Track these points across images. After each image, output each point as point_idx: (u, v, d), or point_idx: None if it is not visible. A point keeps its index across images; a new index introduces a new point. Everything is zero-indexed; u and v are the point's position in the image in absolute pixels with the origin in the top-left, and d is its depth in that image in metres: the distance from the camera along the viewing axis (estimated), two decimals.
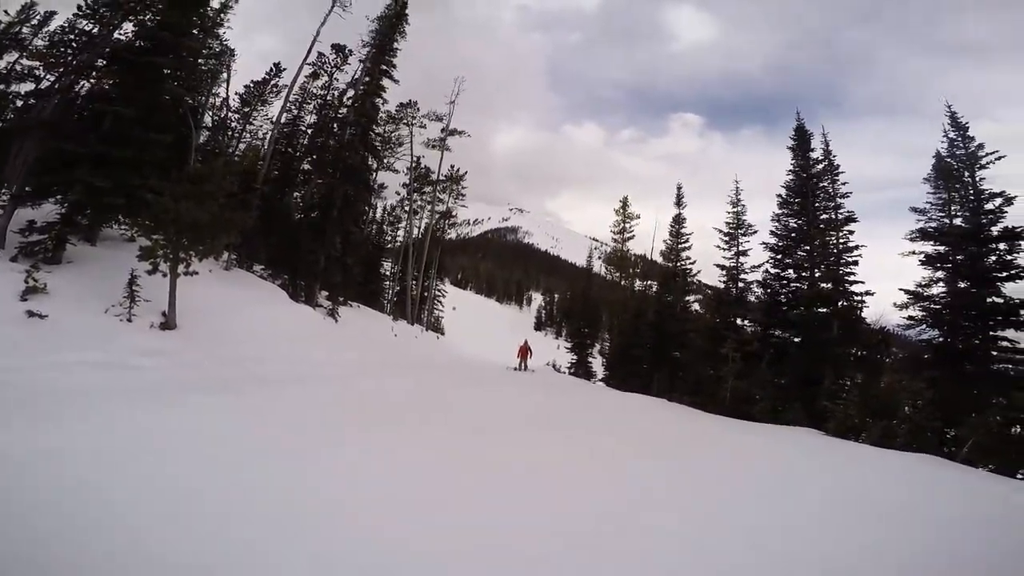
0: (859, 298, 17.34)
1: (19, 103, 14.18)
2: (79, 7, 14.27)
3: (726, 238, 21.46)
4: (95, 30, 14.28)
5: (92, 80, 14.33)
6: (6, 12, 15.44)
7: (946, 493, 6.29)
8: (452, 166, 33.71)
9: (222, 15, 20.70)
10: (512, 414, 9.50)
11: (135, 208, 11.82)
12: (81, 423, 4.95)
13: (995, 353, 13.60)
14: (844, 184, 18.57)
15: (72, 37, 14.36)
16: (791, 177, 19.39)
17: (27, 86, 14.50)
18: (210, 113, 22.45)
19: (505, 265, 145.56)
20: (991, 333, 13.71)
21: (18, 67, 14.62)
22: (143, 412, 5.71)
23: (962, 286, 14.34)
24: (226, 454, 4.61)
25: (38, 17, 16.03)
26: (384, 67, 23.10)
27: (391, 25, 23.59)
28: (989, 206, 14.22)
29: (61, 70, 14.05)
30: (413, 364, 17.72)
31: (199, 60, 19.19)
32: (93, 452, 4.17)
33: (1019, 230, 13.42)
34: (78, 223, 11.92)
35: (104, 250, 12.73)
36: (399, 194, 33.75)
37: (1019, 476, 10.68)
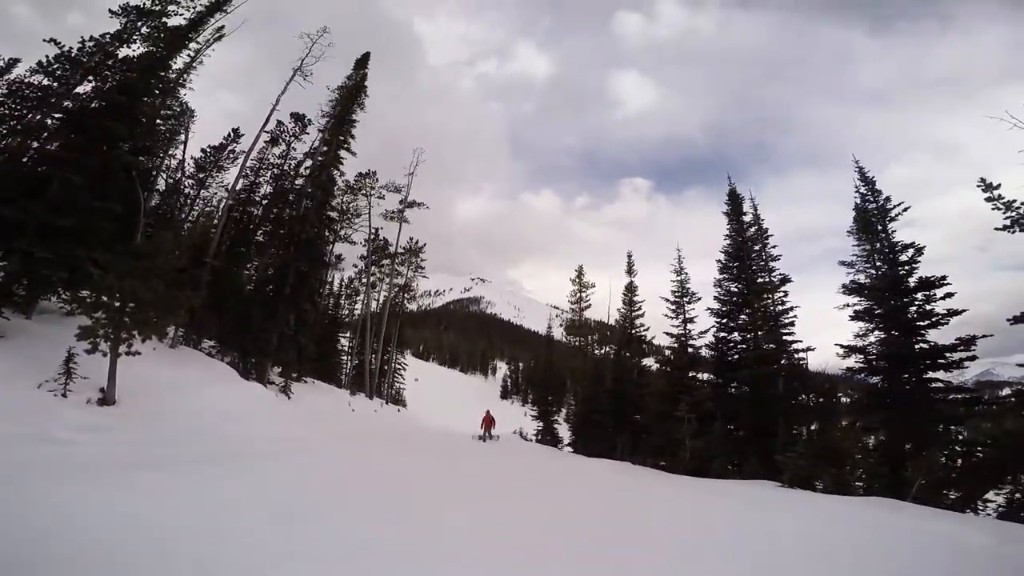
0: (800, 355, 18.09)
1: None
2: (39, 62, 14.15)
3: (673, 307, 22.17)
4: (53, 86, 14.11)
5: (42, 140, 13.98)
6: None
7: (889, 536, 6.51)
8: (411, 238, 34.43)
9: (184, 76, 20.57)
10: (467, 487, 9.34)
11: (77, 281, 11.50)
12: (8, 500, 4.69)
13: (933, 395, 14.11)
14: (775, 247, 19.78)
15: (28, 92, 14.08)
16: (728, 241, 20.49)
17: None
18: (164, 176, 22.08)
19: (468, 335, 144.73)
20: (924, 376, 14.30)
21: None
22: (67, 487, 5.43)
23: (893, 334, 14.95)
24: (142, 533, 4.43)
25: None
26: (343, 138, 23.49)
27: (350, 96, 24.20)
28: (903, 257, 15.07)
29: (13, 123, 13.74)
30: (371, 438, 17.17)
31: (156, 121, 18.94)
32: (21, 528, 4.00)
33: (932, 279, 14.32)
34: (14, 294, 11.42)
35: (40, 324, 12.21)
36: (356, 266, 33.87)
37: (977, 509, 11.09)
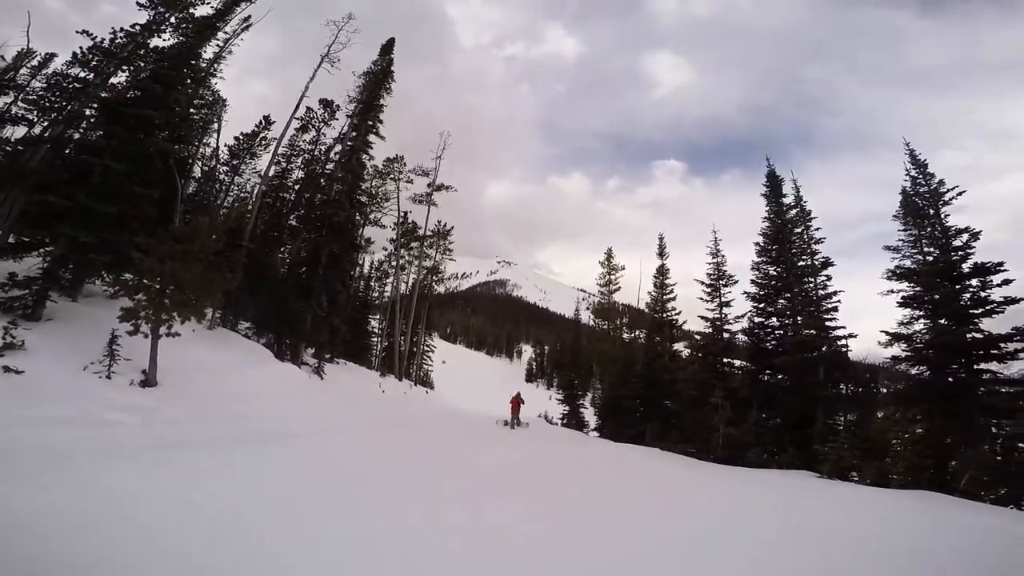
0: (843, 341, 17.46)
1: (8, 149, 14.16)
2: (74, 54, 14.54)
3: (708, 290, 21.65)
4: (89, 77, 14.49)
5: (82, 130, 14.39)
6: (2, 58, 15.80)
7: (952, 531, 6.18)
8: (439, 221, 34.40)
9: (215, 65, 20.98)
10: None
11: (120, 265, 11.78)
12: (52, 479, 4.79)
13: (983, 389, 13.52)
14: (818, 230, 19.00)
15: (66, 83, 14.51)
16: (766, 224, 19.86)
17: (19, 131, 14.52)
18: (199, 163, 22.58)
19: (494, 318, 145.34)
20: (975, 367, 13.66)
21: (13, 110, 14.67)
22: (114, 469, 5.54)
23: (942, 323, 14.32)
24: (193, 515, 4.49)
25: (38, 59, 16.16)
26: (371, 123, 23.67)
27: (377, 82, 24.29)
28: (957, 242, 14.39)
29: (54, 115, 14.14)
30: (400, 419, 17.39)
31: (190, 110, 19.40)
32: (61, 510, 4.05)
33: (988, 265, 13.60)
34: (61, 278, 11.75)
35: (85, 307, 12.59)
36: (386, 249, 34.10)
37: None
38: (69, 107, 14.34)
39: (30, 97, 14.70)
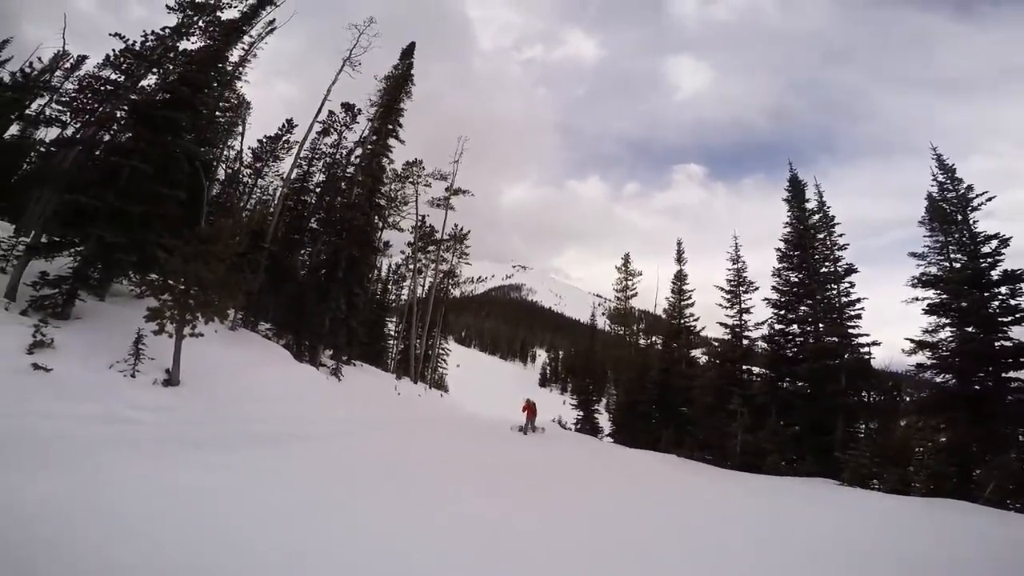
0: (866, 349, 17.14)
1: (42, 149, 14.61)
2: (107, 56, 15.03)
3: (728, 295, 21.40)
4: (120, 79, 14.91)
5: (112, 131, 14.79)
6: (39, 59, 16.35)
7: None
8: (456, 225, 34.51)
9: (241, 68, 21.32)
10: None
11: (146, 264, 12.02)
12: (75, 473, 4.92)
13: (1010, 398, 13.17)
14: (841, 235, 18.65)
15: (98, 85, 14.99)
16: (788, 230, 19.57)
17: (52, 132, 15.05)
18: (223, 166, 23.00)
19: (509, 322, 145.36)
20: (1003, 375, 13.35)
21: (47, 111, 15.16)
22: (136, 465, 5.66)
23: (969, 331, 14.04)
24: (213, 513, 4.57)
25: (71, 61, 16.73)
26: (391, 126, 23.89)
27: (397, 86, 24.57)
28: (986, 249, 14.13)
29: (86, 117, 14.59)
30: (415, 423, 17.45)
31: (216, 113, 19.79)
32: (84, 503, 4.16)
33: (1019, 272, 13.33)
34: (90, 277, 12.04)
35: (112, 306, 12.88)
36: (404, 252, 34.28)
37: None
38: (100, 109, 14.74)
39: (63, 99, 15.16)
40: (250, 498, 5.12)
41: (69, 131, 14.77)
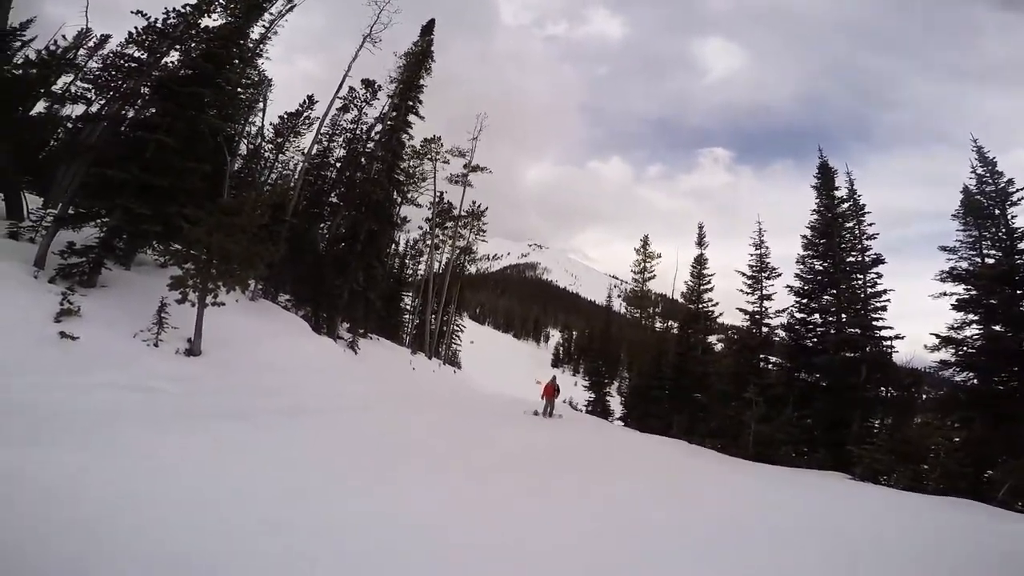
0: (888, 342, 16.78)
1: (69, 126, 14.88)
2: (129, 34, 15.22)
3: (749, 281, 20.99)
4: (143, 56, 15.11)
5: (137, 107, 15.03)
6: (64, 37, 16.53)
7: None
8: (474, 202, 34.35)
9: (262, 45, 21.40)
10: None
11: (170, 235, 12.22)
12: (101, 444, 5.04)
13: None
14: (871, 225, 18.03)
15: (122, 63, 15.21)
16: (816, 217, 18.99)
17: (78, 109, 15.32)
18: (245, 141, 23.25)
19: (523, 301, 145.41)
20: None
21: (73, 88, 15.40)
22: (160, 435, 5.79)
23: (997, 328, 13.71)
24: (233, 481, 4.68)
25: (94, 40, 16.91)
26: (410, 103, 23.88)
27: (417, 63, 24.46)
28: (1022, 245, 13.74)
29: (111, 94, 14.82)
30: (429, 399, 17.60)
31: (238, 90, 19.87)
32: (110, 472, 4.27)
33: None
34: (115, 247, 12.30)
35: (137, 275, 13.13)
36: (421, 228, 34.30)
37: None
38: (124, 86, 14.90)
39: (88, 77, 15.38)
40: (254, 471, 5.16)
41: (94, 107, 15.10)
